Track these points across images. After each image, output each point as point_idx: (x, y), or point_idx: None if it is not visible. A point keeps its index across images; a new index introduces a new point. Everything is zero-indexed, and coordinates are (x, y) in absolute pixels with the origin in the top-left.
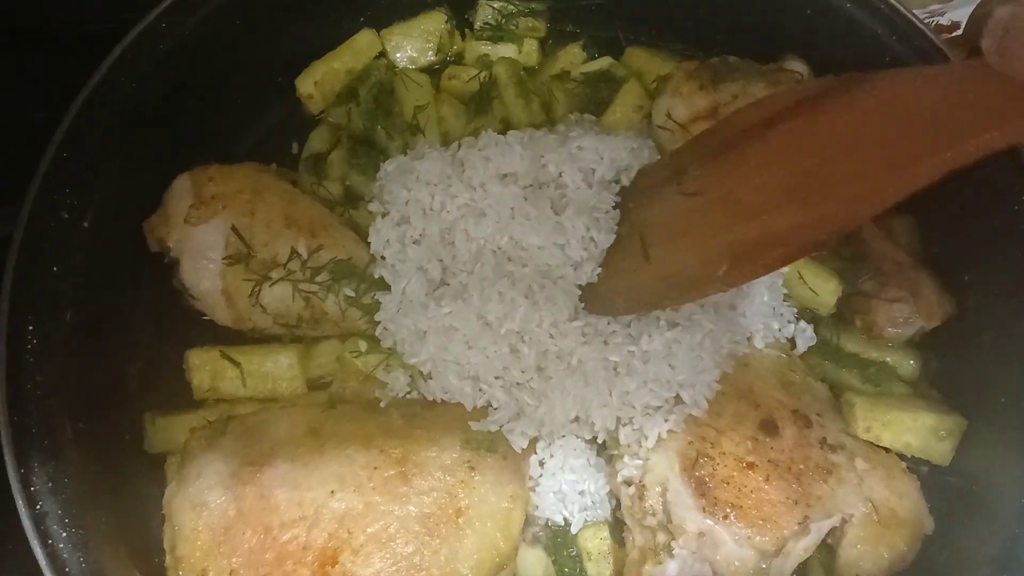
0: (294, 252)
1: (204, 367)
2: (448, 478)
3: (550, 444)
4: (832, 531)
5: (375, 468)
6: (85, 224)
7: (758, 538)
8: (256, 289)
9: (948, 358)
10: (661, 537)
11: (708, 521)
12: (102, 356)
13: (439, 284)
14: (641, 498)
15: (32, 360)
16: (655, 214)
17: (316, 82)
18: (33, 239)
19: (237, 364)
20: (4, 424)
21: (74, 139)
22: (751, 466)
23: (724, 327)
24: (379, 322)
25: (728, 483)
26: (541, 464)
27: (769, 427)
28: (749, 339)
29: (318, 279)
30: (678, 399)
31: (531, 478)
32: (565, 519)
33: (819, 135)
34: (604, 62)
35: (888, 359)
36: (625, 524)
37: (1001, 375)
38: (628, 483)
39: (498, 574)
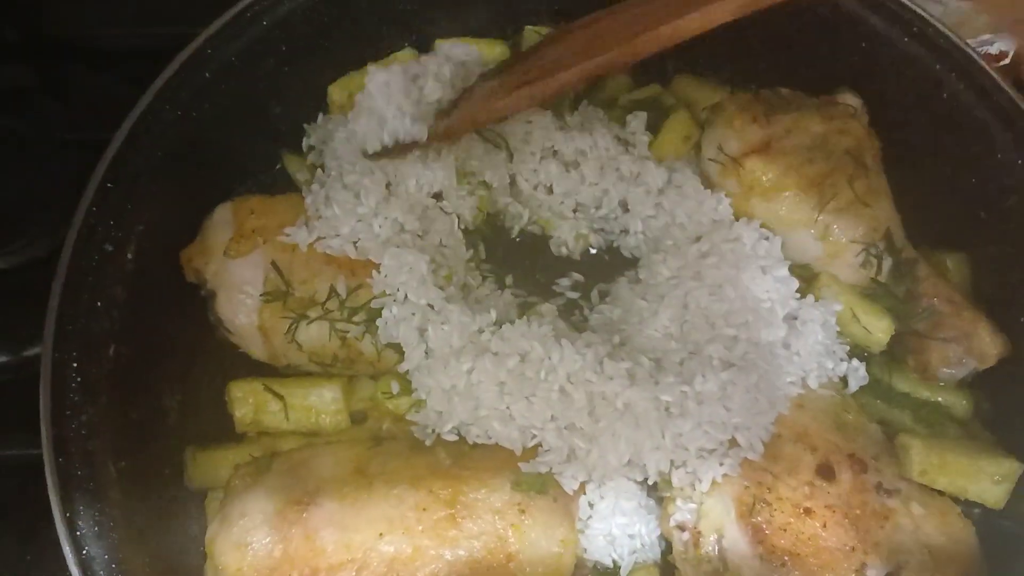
0: (333, 291)
1: (247, 400)
2: (499, 521)
3: (600, 486)
4: None
5: (424, 510)
6: (128, 256)
7: None
8: (293, 327)
9: (1001, 399)
10: None
11: (765, 570)
12: (143, 391)
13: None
14: (696, 544)
15: (76, 399)
16: None
17: (351, 92)
18: (77, 274)
19: (280, 397)
20: (50, 468)
21: (118, 169)
22: (808, 512)
23: (779, 367)
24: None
25: (786, 530)
26: (591, 506)
27: (826, 471)
28: (803, 379)
29: (355, 319)
30: (733, 442)
31: (580, 519)
32: (614, 562)
33: None
34: (652, 90)
35: (940, 399)
36: (676, 569)
37: None
38: (682, 528)
39: None
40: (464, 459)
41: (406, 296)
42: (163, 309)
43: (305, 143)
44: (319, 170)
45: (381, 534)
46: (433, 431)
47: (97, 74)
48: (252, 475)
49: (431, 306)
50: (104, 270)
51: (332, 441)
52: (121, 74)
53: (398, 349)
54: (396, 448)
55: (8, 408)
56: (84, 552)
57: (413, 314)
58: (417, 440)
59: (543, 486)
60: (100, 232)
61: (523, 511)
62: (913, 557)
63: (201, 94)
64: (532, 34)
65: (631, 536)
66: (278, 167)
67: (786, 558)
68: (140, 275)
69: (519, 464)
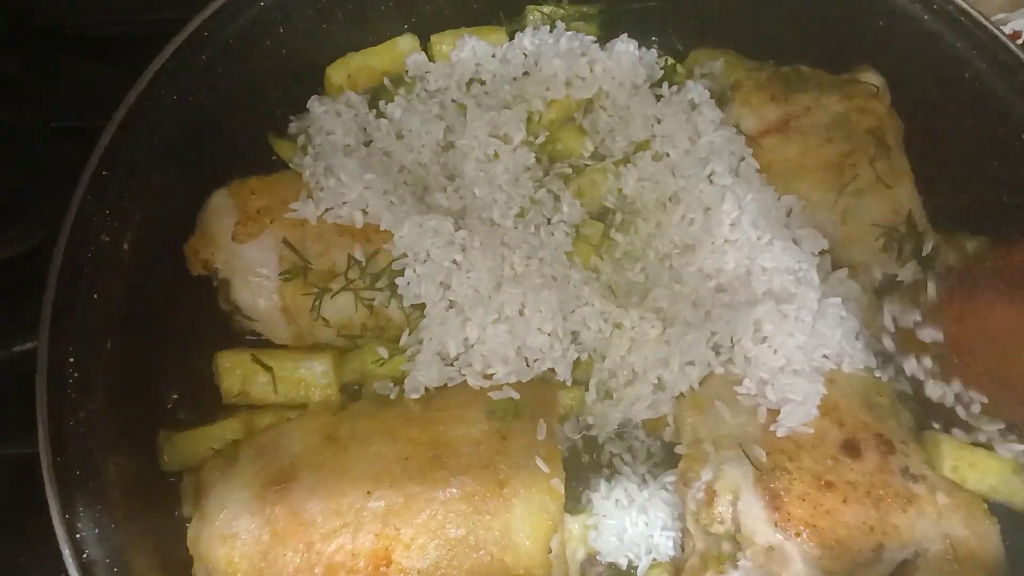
0: (351, 259)
1: (234, 370)
2: (483, 451)
3: (612, 484)
4: (903, 564)
5: (407, 459)
6: (125, 246)
7: (829, 561)
8: (317, 303)
9: None
10: (726, 546)
11: (779, 536)
12: (143, 386)
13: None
14: (710, 504)
15: (74, 396)
16: None
17: (349, 74)
18: (73, 266)
19: (269, 369)
20: (48, 467)
21: (113, 157)
22: (829, 485)
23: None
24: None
25: (804, 499)
26: (604, 503)
27: (851, 448)
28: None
29: (379, 284)
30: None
31: (594, 515)
32: (629, 562)
33: None
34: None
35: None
36: (686, 528)
37: None
38: (695, 486)
39: (551, 537)
40: (433, 402)
41: (428, 256)
42: (162, 300)
43: (292, 127)
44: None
45: (369, 492)
46: (395, 385)
47: (87, 62)
48: (221, 467)
49: (455, 262)
50: (101, 261)
51: (294, 418)
52: (111, 62)
53: (423, 309)
54: (362, 408)
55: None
56: (85, 555)
57: (436, 272)
58: (381, 397)
59: (517, 409)
60: (96, 222)
61: (504, 437)
62: (933, 545)
63: (198, 78)
64: (534, 13)
65: (648, 535)
66: (274, 157)
67: (802, 528)
68: (138, 266)
69: (488, 394)
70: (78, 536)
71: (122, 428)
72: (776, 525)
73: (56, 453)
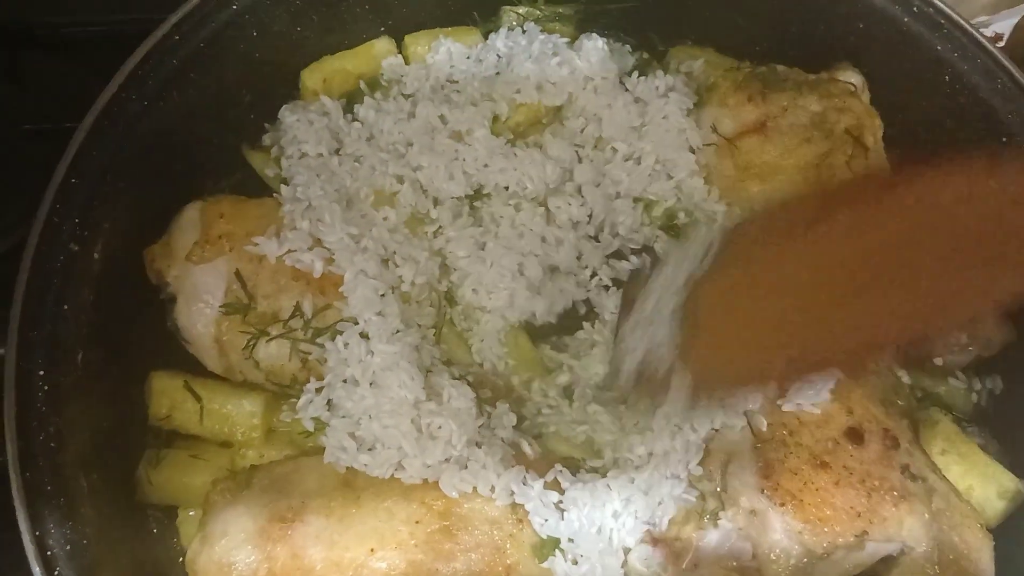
0: (298, 309)
1: (165, 394)
2: (496, 532)
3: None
4: (886, 558)
5: (417, 522)
6: (95, 255)
7: (809, 536)
8: (251, 343)
9: (1008, 394)
10: (711, 503)
11: (764, 502)
12: (115, 399)
13: None
14: (703, 461)
15: (44, 410)
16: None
17: (324, 78)
18: (41, 276)
19: (198, 399)
20: (17, 484)
21: (82, 164)
22: (824, 465)
23: None
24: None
25: (796, 474)
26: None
27: (855, 435)
28: None
29: (320, 340)
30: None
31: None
32: None
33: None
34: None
35: (942, 390)
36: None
37: None
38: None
39: None
40: None
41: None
42: (134, 312)
43: (265, 138)
44: (293, 180)
45: (372, 550)
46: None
47: (58, 62)
48: (232, 491)
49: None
50: (70, 272)
51: (313, 454)
52: (84, 62)
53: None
54: None
55: None
56: (56, 573)
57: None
58: None
59: None
60: (65, 231)
61: (520, 520)
62: (919, 546)
63: (169, 83)
64: (509, 14)
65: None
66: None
67: (788, 499)
68: (108, 276)
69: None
70: (49, 554)
71: (95, 443)
72: (763, 492)
73: (25, 469)
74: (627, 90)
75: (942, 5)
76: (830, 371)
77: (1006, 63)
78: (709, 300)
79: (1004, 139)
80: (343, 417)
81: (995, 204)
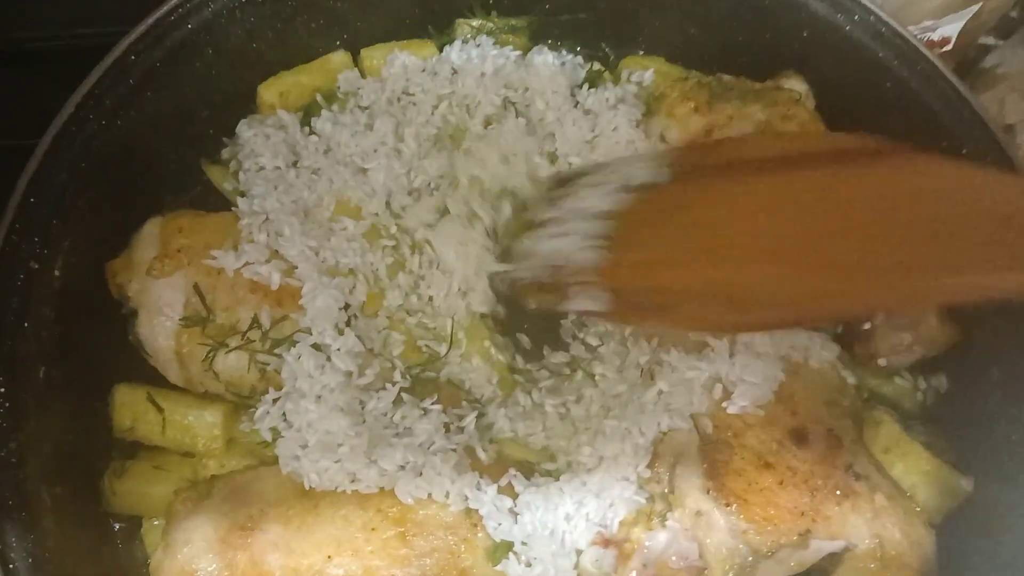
0: (255, 321)
1: (128, 406)
2: (450, 537)
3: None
4: (831, 556)
5: (373, 529)
6: (56, 272)
7: (754, 536)
8: (210, 355)
9: (954, 393)
10: (659, 505)
11: (709, 503)
12: (76, 414)
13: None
14: (652, 464)
15: (5, 425)
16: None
17: (281, 92)
18: (1, 294)
19: (160, 410)
20: None
21: (41, 183)
22: (768, 466)
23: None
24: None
25: (740, 475)
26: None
27: (799, 436)
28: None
29: (277, 350)
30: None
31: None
32: None
33: (858, 200)
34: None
35: (888, 391)
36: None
37: (1008, 412)
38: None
39: None
40: None
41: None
42: (95, 327)
43: (224, 152)
44: (250, 192)
45: (329, 557)
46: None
47: (17, 76)
48: (193, 500)
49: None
50: (30, 289)
51: (272, 463)
52: (43, 76)
53: None
54: None
55: None
56: None
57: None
58: None
59: None
60: (24, 249)
61: (475, 525)
62: (863, 543)
63: (127, 100)
64: (464, 27)
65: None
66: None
67: (732, 499)
68: (69, 293)
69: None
70: (11, 567)
71: (58, 456)
72: (708, 492)
73: None
74: (578, 103)
75: (882, 13)
76: (760, 324)
77: (944, 71)
78: (647, 222)
79: (944, 143)
80: (296, 430)
81: (959, 206)
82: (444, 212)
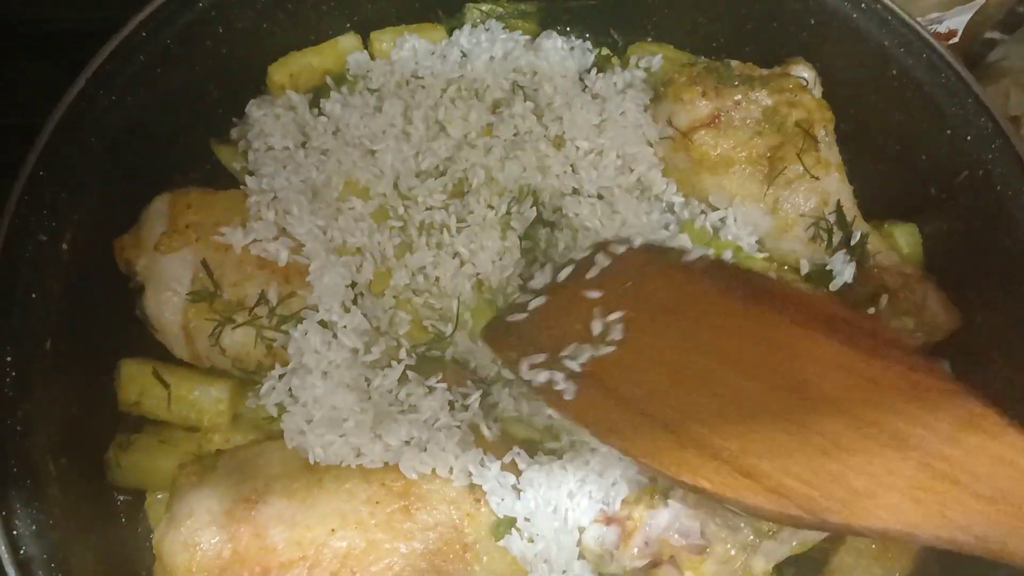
0: (263, 297)
1: (134, 380)
2: (453, 511)
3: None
4: (830, 537)
5: (376, 503)
6: (64, 246)
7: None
8: (217, 330)
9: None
10: (662, 482)
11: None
12: (82, 385)
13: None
14: None
15: (12, 395)
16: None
17: (292, 74)
18: (10, 266)
19: (166, 385)
20: None
21: (50, 157)
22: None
23: None
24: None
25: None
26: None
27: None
28: None
29: (284, 327)
30: None
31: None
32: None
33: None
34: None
35: None
36: None
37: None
38: None
39: None
40: None
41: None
42: (101, 301)
43: (233, 132)
44: (259, 171)
45: (333, 530)
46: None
47: (26, 58)
48: (198, 473)
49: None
50: (39, 262)
51: (277, 438)
52: (54, 58)
53: None
54: None
55: None
56: (22, 552)
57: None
58: None
59: None
60: (33, 223)
61: (478, 500)
62: None
63: (137, 79)
64: (473, 11)
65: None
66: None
67: None
68: (77, 266)
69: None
70: (15, 533)
71: (64, 428)
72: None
73: None
74: (586, 87)
75: (889, 2)
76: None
77: (949, 59)
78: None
79: (948, 131)
80: (302, 405)
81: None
82: (452, 195)
